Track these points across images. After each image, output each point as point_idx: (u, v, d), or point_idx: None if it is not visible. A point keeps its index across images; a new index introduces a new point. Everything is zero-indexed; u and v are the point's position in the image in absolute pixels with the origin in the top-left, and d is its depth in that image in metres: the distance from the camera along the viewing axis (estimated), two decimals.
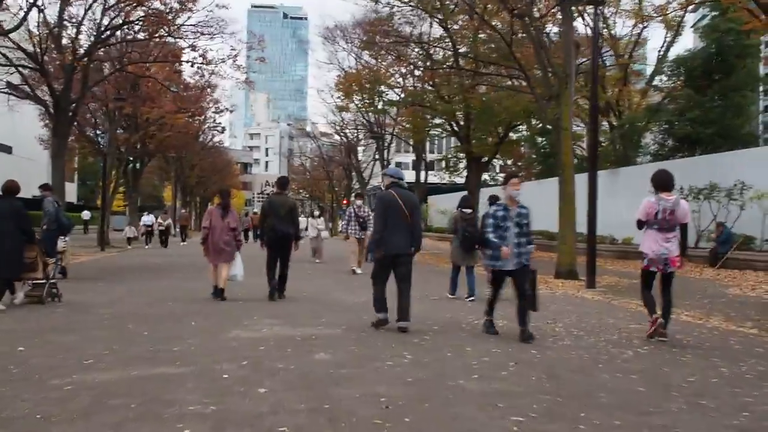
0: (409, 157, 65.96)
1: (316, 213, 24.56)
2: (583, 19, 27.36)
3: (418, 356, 6.64)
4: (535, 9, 18.62)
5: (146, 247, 31.17)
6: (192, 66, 23.37)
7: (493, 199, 13.05)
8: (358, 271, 17.04)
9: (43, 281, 10.45)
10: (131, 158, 39.88)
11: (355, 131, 51.67)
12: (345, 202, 57.48)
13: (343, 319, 9.04)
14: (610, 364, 6.47)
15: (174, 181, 54.22)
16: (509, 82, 24.08)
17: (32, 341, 7.19)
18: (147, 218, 33.75)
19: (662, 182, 7.67)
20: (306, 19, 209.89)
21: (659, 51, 31.32)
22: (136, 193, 41.70)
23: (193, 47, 21.80)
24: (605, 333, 8.39)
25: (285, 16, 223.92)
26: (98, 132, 34.72)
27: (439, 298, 11.96)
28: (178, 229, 40.54)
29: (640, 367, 6.36)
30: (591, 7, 26.31)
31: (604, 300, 12.45)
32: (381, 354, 6.72)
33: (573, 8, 17.02)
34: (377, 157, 46.69)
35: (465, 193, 19.98)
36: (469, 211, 12.12)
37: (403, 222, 8.12)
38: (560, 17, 19.36)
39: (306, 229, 21.98)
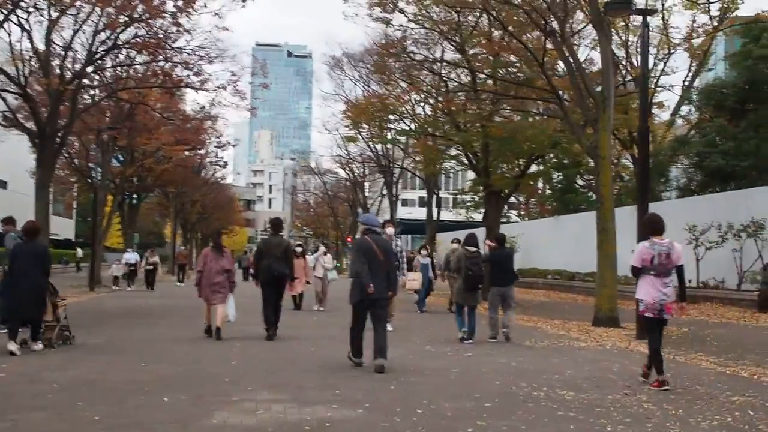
0: (416, 194, 64.27)
1: (322, 249, 19.67)
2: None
3: None
4: (567, 26, 16.84)
5: (128, 289, 27.20)
6: (187, 87, 21.50)
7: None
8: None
9: (54, 324, 10.00)
10: (127, 193, 38.14)
11: (362, 165, 49.89)
12: (349, 239, 55.51)
13: (363, 391, 6.98)
14: None
15: (174, 217, 52.15)
16: (535, 109, 22.22)
17: None
18: (129, 255, 28.54)
19: (654, 226, 7.72)
20: (310, 57, 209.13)
21: (683, 81, 29.61)
22: (131, 230, 39.82)
23: (187, 65, 19.87)
24: (709, 407, 6.27)
25: (289, 54, 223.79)
26: (90, 164, 32.54)
27: (457, 348, 10.77)
28: (176, 268, 37.88)
29: None
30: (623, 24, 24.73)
31: (666, 355, 10.34)
32: None
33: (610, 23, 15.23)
34: (384, 192, 44.80)
35: (470, 231, 17.83)
36: (473, 249, 11.52)
37: (380, 267, 8.41)
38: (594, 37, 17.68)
39: (313, 268, 18.79)
